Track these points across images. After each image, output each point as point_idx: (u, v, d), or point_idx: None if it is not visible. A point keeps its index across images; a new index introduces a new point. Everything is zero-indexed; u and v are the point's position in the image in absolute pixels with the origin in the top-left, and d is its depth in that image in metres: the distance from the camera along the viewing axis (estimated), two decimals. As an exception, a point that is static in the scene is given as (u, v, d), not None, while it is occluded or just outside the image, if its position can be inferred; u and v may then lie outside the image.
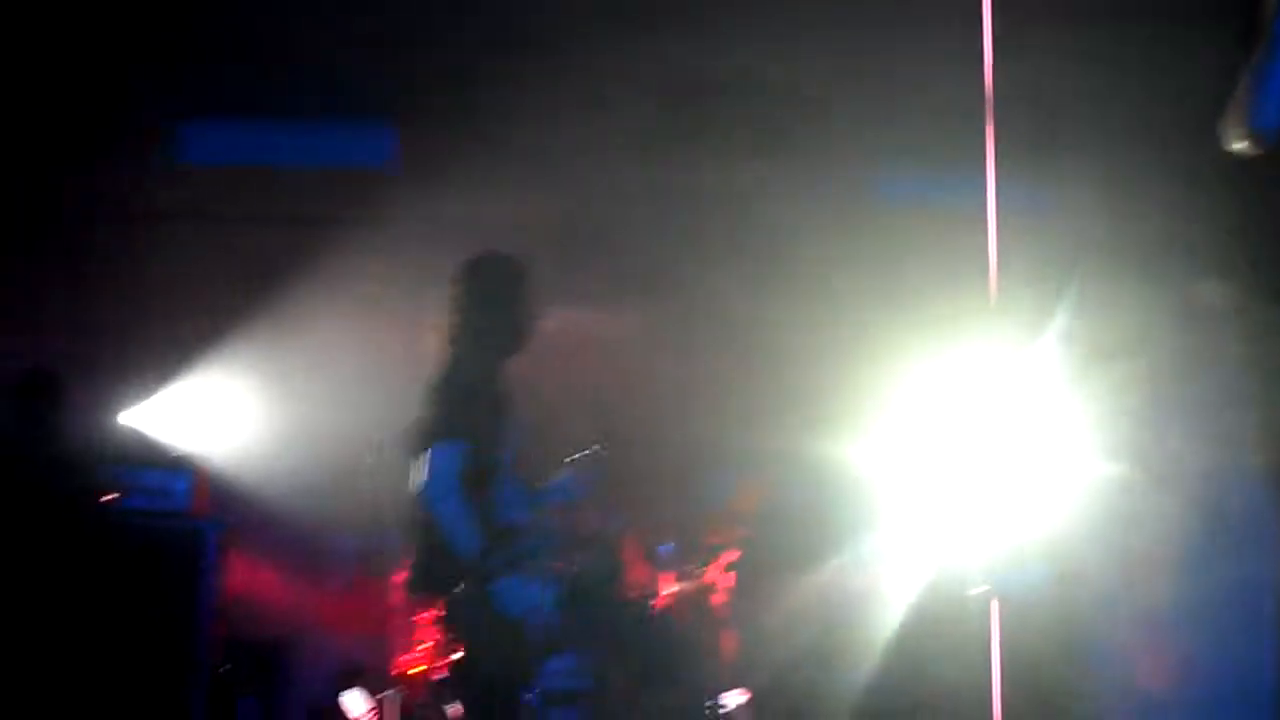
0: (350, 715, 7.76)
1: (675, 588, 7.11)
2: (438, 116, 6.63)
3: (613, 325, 8.03)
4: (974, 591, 5.68)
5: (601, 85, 6.25)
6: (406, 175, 6.85)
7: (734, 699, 6.70)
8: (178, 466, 7.42)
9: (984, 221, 4.39)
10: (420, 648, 7.49)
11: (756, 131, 6.61)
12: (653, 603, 7.04)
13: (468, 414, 4.67)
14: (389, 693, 7.58)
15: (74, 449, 6.74)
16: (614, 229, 7.47)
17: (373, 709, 7.71)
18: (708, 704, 6.60)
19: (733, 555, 7.31)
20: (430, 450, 4.62)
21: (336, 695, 8.07)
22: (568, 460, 5.13)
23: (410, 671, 7.51)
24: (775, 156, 6.59)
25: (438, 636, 7.36)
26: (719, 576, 7.32)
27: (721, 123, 6.59)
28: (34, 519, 6.33)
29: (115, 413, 8.04)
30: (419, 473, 4.66)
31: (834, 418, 6.60)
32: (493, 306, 4.91)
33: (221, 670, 7.35)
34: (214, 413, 8.51)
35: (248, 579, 8.00)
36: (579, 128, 6.54)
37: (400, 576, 7.86)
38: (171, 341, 8.28)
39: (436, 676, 7.24)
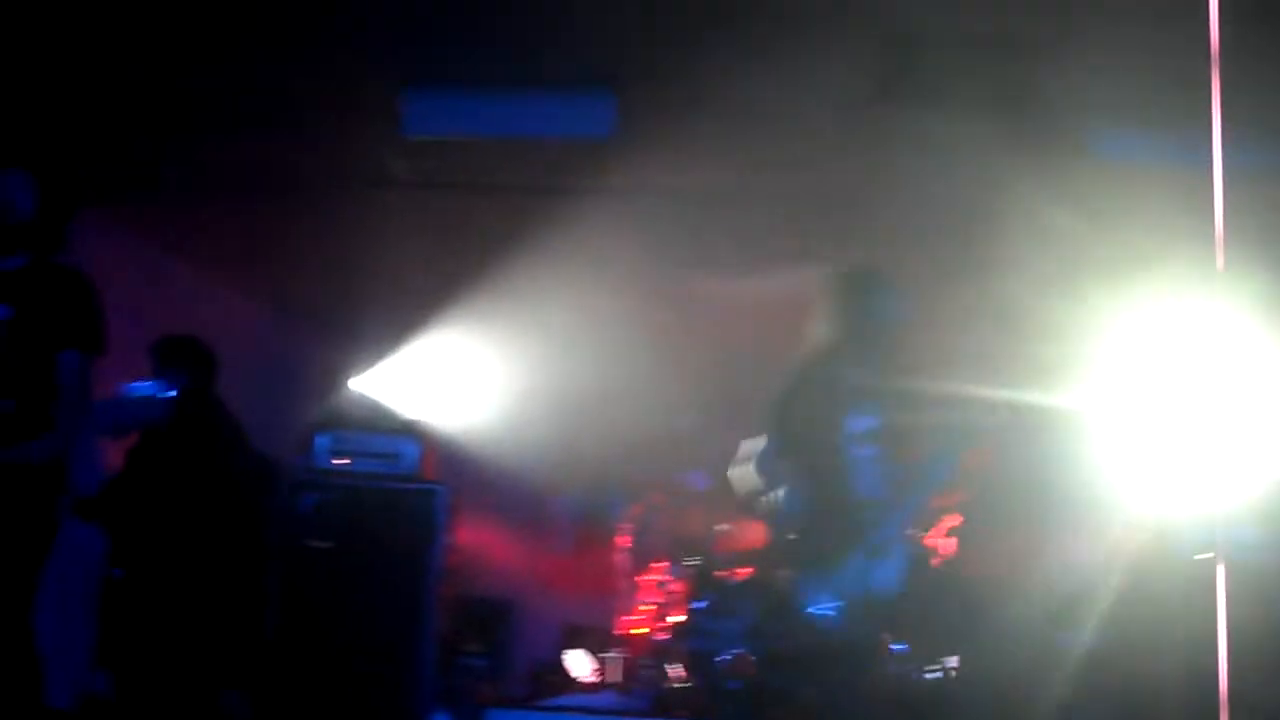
0: (574, 674, 7.99)
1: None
2: (658, 82, 6.71)
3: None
4: (1199, 557, 5.65)
5: (820, 43, 6.28)
6: (628, 142, 6.94)
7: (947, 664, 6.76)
8: (407, 431, 7.57)
9: (1210, 184, 4.34)
10: (643, 609, 7.73)
11: (974, 85, 6.58)
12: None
13: (816, 410, 4.89)
14: (612, 653, 7.82)
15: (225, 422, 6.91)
16: (834, 189, 7.51)
17: (596, 668, 7.94)
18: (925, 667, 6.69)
19: (954, 520, 7.35)
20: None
21: (560, 654, 8.33)
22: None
23: (633, 632, 7.75)
24: (994, 111, 6.56)
25: (659, 598, 7.60)
26: (940, 541, 7.37)
27: (940, 77, 6.57)
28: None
29: (347, 378, 8.32)
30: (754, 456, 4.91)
31: (1056, 380, 6.57)
32: (874, 322, 5.07)
33: (449, 630, 7.61)
34: (442, 377, 8.76)
35: (474, 540, 8.25)
36: (798, 87, 6.58)
37: (624, 540, 8.12)
38: (401, 308, 8.55)
39: (659, 637, 7.49)
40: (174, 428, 6.54)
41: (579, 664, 7.98)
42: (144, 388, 5.09)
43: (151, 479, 6.59)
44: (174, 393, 5.46)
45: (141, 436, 6.50)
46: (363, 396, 8.22)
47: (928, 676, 6.75)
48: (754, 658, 6.79)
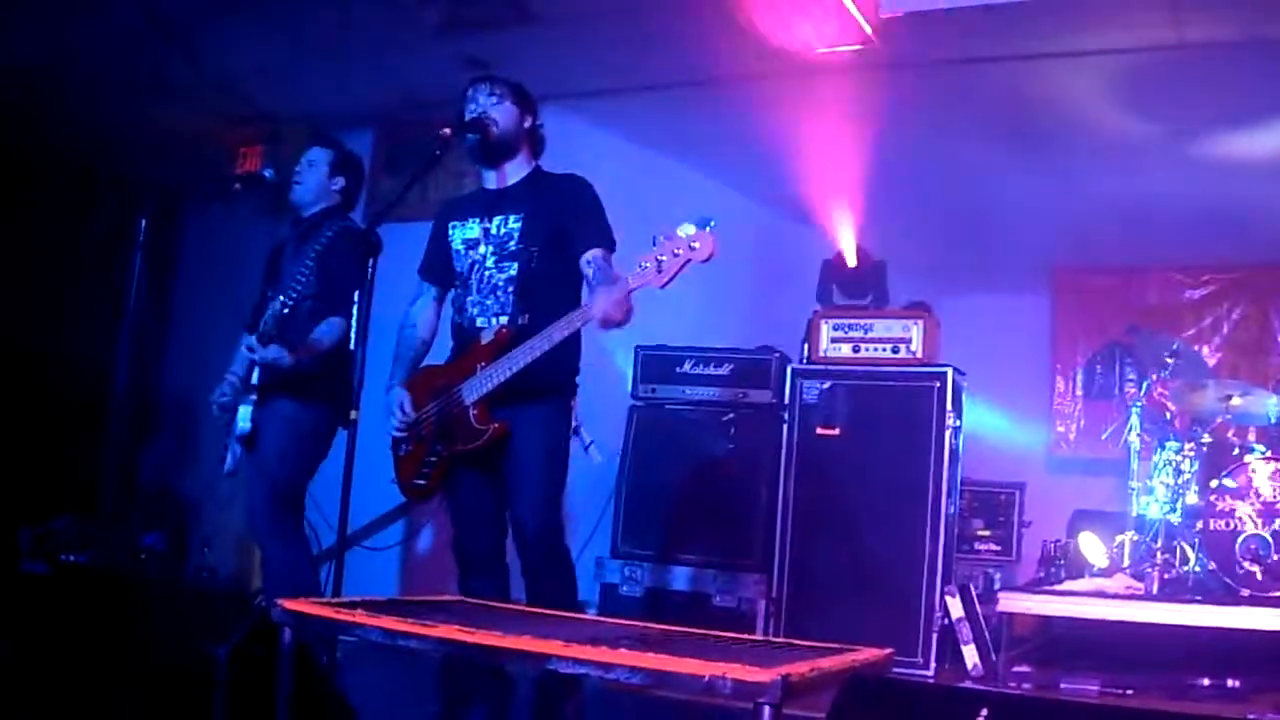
0: (1085, 558, 8.11)
1: None
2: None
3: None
4: None
5: None
6: None
7: None
8: (910, 314, 7.80)
9: None
10: (1156, 490, 7.78)
11: None
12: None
13: None
14: (1124, 536, 7.89)
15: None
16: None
17: (1108, 552, 8.03)
18: None
19: None
20: None
21: (1071, 538, 8.46)
22: None
23: (1146, 514, 7.82)
24: None
25: (1173, 478, 7.65)
26: None
27: None
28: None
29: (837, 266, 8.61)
30: None
31: None
32: None
33: (962, 514, 7.87)
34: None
35: (983, 422, 8.42)
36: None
37: (1133, 418, 8.14)
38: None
39: (1173, 520, 7.54)
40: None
41: (1090, 548, 8.07)
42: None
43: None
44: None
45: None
46: (860, 282, 8.44)
47: None
48: (1271, 538, 6.83)
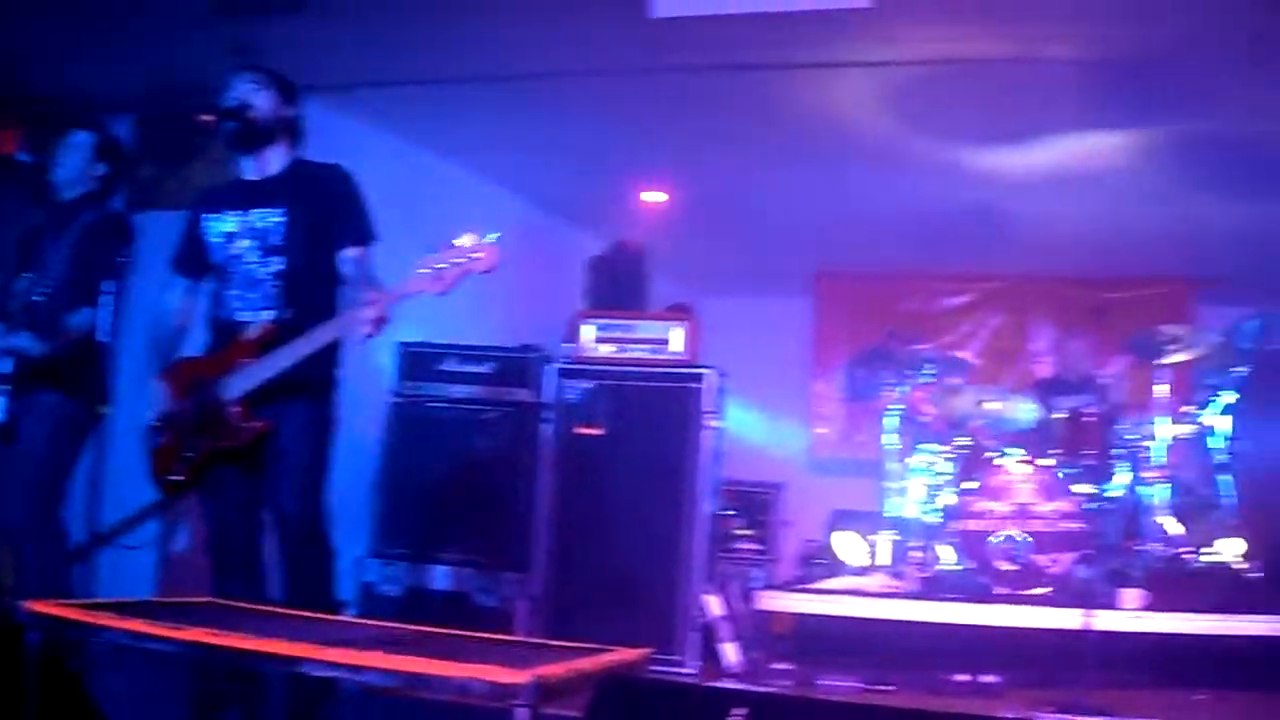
0: (843, 557, 8.27)
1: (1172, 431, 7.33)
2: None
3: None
4: None
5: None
6: (889, 13, 6.97)
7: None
8: (674, 314, 7.85)
9: None
10: (913, 490, 7.96)
11: None
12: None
13: None
14: (881, 535, 8.06)
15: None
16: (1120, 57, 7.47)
17: (865, 551, 8.19)
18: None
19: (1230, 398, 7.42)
20: None
21: (829, 537, 8.61)
22: None
23: (903, 514, 7.99)
24: None
25: (929, 480, 7.83)
26: (1216, 419, 7.44)
27: None
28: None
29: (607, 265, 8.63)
30: None
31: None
32: None
33: (722, 513, 7.92)
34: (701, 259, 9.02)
35: (744, 423, 8.51)
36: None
37: (892, 420, 8.32)
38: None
39: (929, 520, 7.72)
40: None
41: (848, 547, 8.21)
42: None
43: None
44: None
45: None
46: (625, 282, 8.46)
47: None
48: (1025, 538, 7.04)
